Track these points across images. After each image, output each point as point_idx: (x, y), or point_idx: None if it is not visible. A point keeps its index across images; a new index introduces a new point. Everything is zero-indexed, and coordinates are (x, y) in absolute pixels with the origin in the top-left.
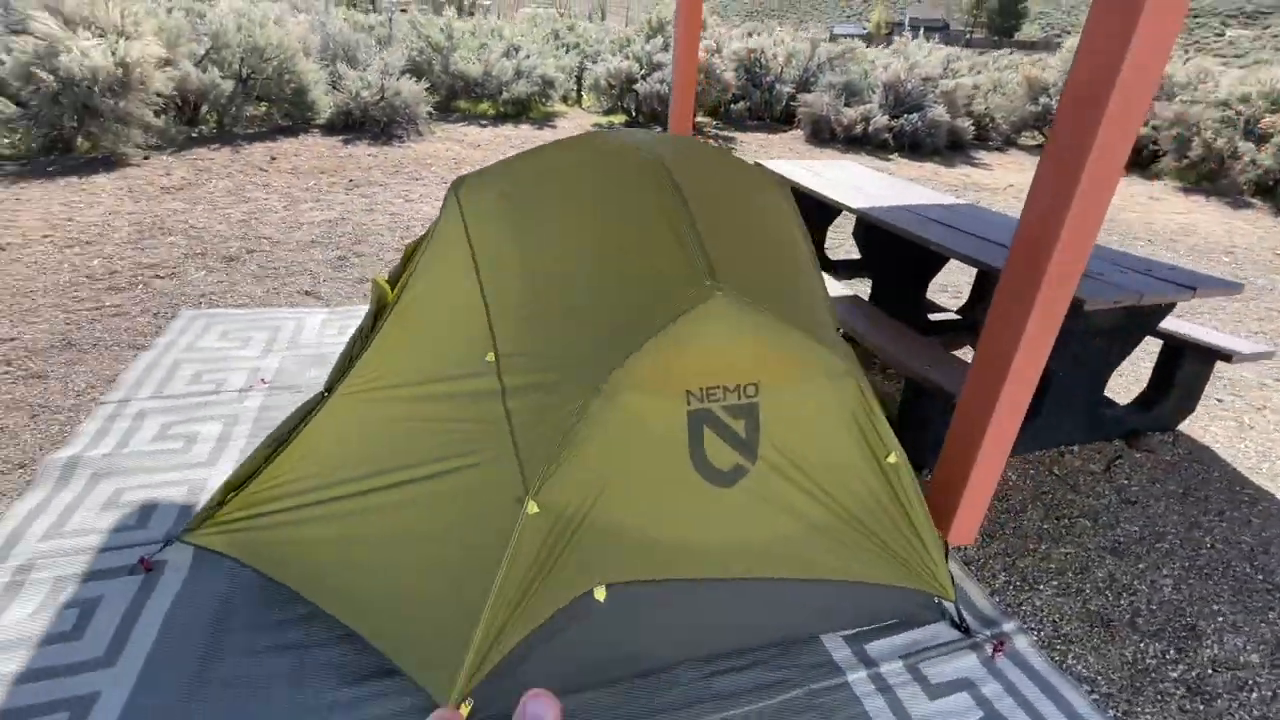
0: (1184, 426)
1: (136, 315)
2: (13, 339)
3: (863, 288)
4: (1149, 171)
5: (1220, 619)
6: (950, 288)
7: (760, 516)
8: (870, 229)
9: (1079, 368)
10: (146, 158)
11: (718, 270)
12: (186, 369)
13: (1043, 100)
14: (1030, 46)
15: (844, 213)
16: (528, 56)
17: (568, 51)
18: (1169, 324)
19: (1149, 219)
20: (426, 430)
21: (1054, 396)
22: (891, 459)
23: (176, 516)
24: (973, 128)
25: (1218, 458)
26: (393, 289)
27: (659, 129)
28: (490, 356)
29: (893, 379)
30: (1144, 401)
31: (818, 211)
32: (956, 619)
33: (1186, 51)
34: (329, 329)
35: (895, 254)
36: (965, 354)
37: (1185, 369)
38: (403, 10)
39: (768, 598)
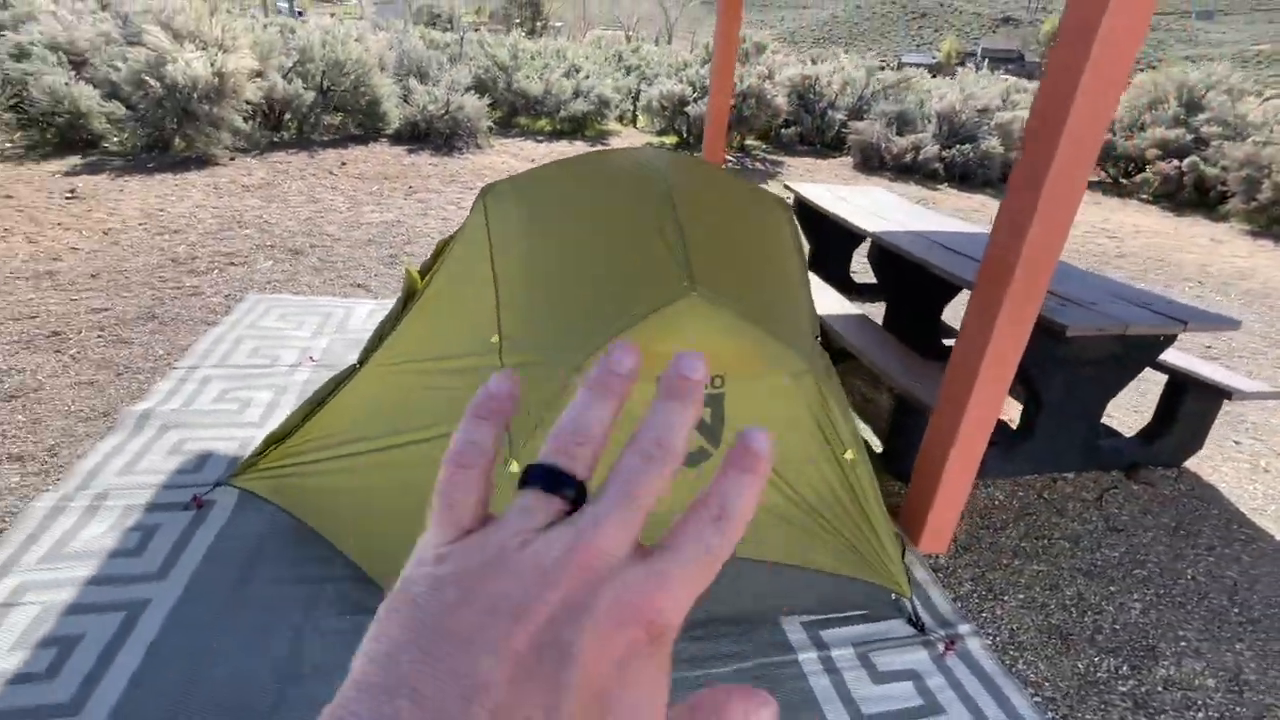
0: (1192, 465)
1: (210, 296)
2: (108, 309)
3: (880, 311)
4: (1216, 213)
5: (1183, 644)
6: None
7: None
8: (884, 253)
9: (1071, 395)
10: (233, 158)
11: (696, 274)
12: (247, 344)
13: (1105, 136)
14: None
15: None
16: (586, 77)
17: (628, 73)
18: (1176, 360)
19: (1206, 261)
20: (435, 398)
21: (1047, 422)
22: (849, 455)
23: (226, 465)
24: None
25: (1221, 497)
26: (422, 279)
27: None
28: (494, 338)
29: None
30: (1147, 435)
31: (844, 236)
32: (913, 616)
33: (1264, 91)
34: (374, 318)
35: (907, 278)
36: None
37: (1189, 405)
38: (475, 30)
39: (732, 575)
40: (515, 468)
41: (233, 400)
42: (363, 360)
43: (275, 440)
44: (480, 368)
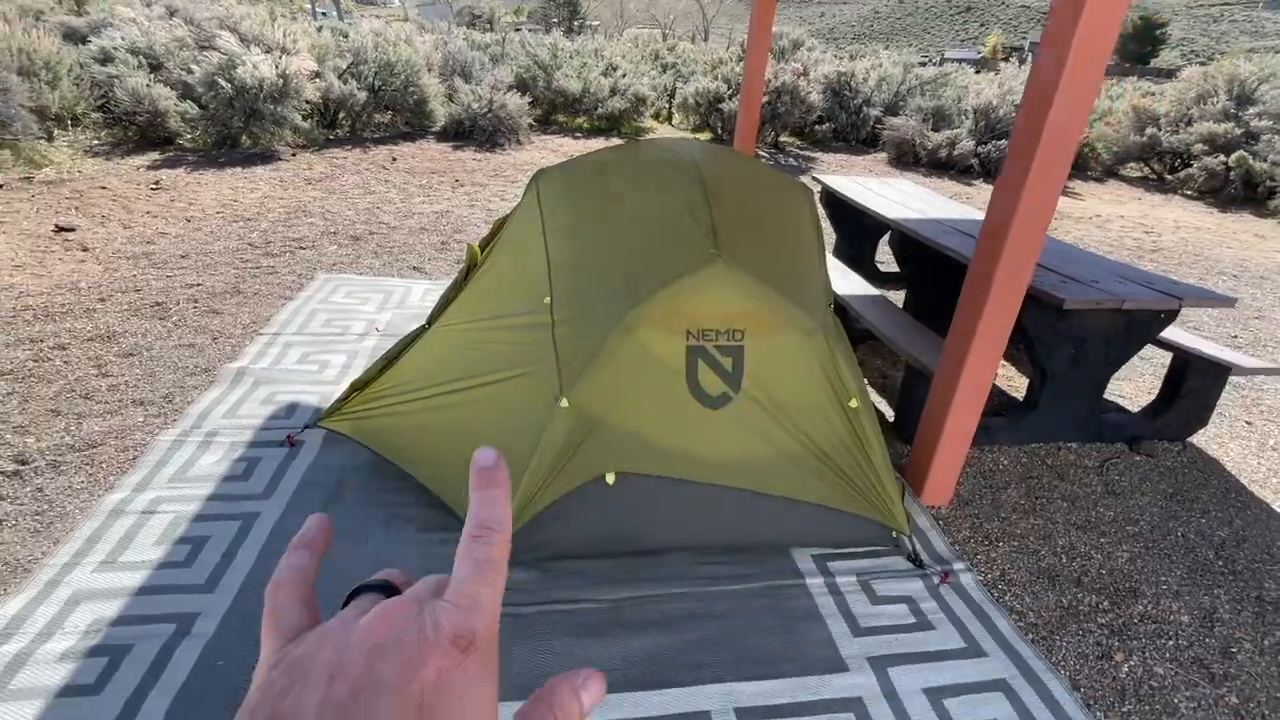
0: (1199, 441)
1: (285, 275)
2: (199, 284)
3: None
4: (1264, 209)
5: (1164, 587)
6: None
7: (742, 438)
8: (904, 239)
9: (1075, 369)
10: (294, 154)
11: (721, 244)
12: (321, 315)
13: (1150, 131)
14: (1167, 75)
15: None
16: (624, 75)
17: (665, 71)
18: (1179, 338)
19: (1245, 256)
20: (496, 350)
21: (1051, 393)
22: (853, 403)
23: (311, 413)
24: None
25: (1222, 469)
26: (481, 253)
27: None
28: (547, 300)
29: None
30: (1151, 411)
31: (870, 226)
32: (912, 554)
33: None
34: (429, 296)
35: (924, 262)
36: None
37: (1191, 381)
38: (516, 30)
39: (749, 508)
40: (565, 403)
41: (313, 362)
42: (430, 322)
43: (357, 388)
44: (535, 324)
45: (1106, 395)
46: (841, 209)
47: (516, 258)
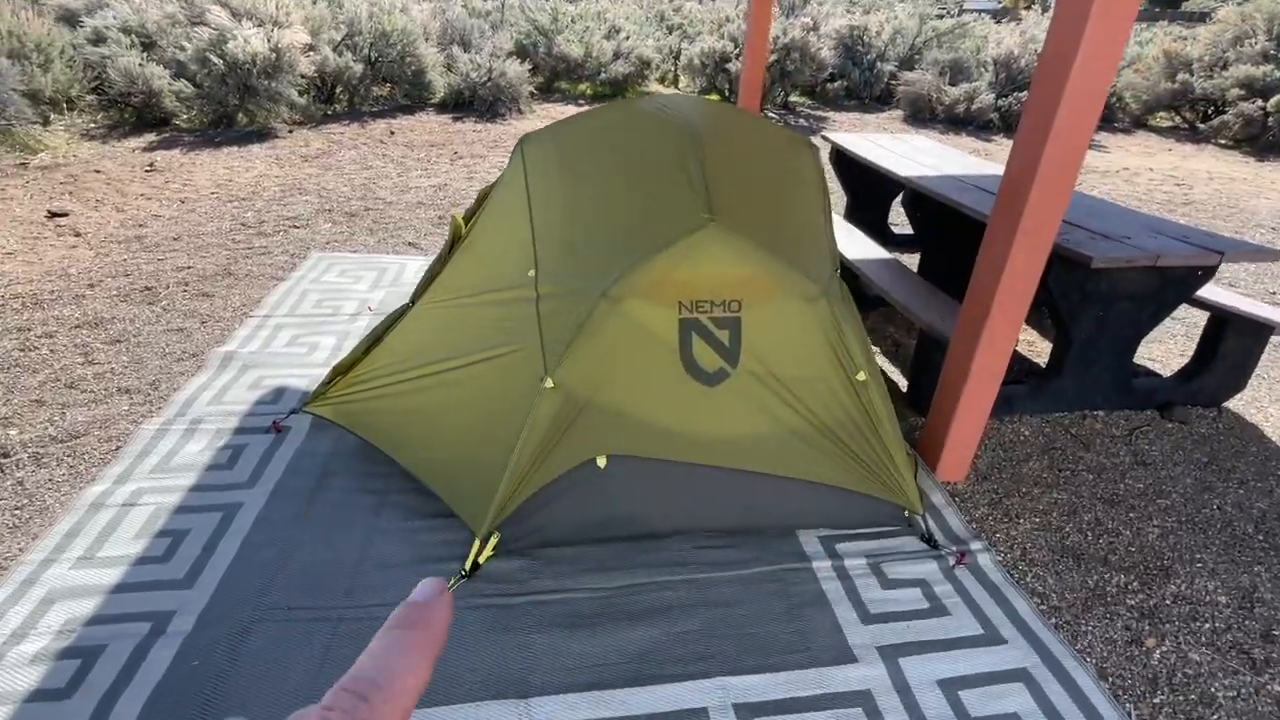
0: (1236, 406)
1: (277, 254)
2: (190, 266)
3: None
4: None
5: (1199, 564)
6: None
7: (741, 415)
8: (917, 198)
9: (1103, 332)
10: (291, 131)
11: (716, 208)
12: (312, 296)
13: (1181, 77)
14: (1200, 18)
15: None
16: (627, 38)
17: (670, 32)
18: (1217, 296)
19: None
20: (480, 327)
21: (1077, 358)
22: (861, 376)
23: (299, 397)
24: None
25: (1262, 435)
26: (466, 224)
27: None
28: (531, 272)
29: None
30: (1185, 374)
31: (881, 186)
32: (925, 533)
33: None
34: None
35: (939, 221)
36: None
37: (1230, 342)
38: None
39: (750, 489)
40: (550, 384)
41: (302, 344)
42: (415, 300)
43: (340, 372)
44: (519, 299)
45: (1135, 359)
46: (852, 168)
47: (500, 229)
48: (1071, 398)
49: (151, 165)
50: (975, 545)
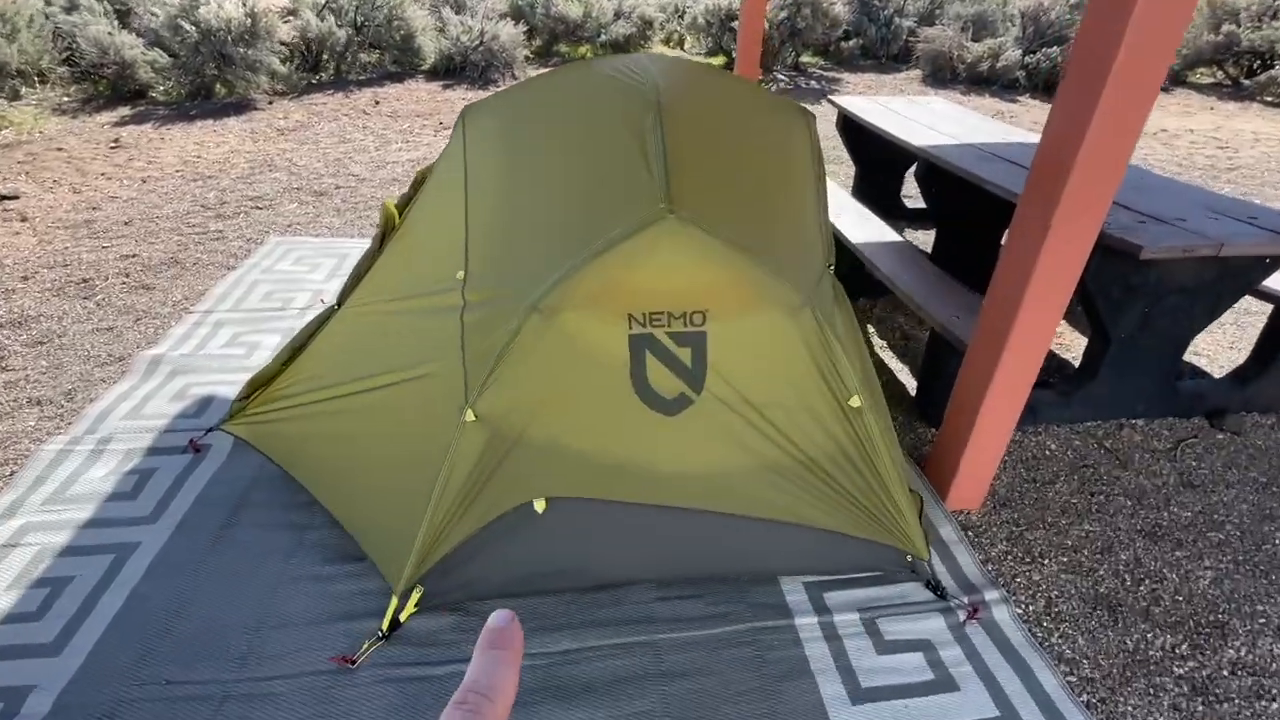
0: None
1: (233, 240)
2: (135, 255)
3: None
4: None
5: (1261, 620)
6: None
7: (708, 448)
8: (933, 170)
9: (1148, 329)
10: (271, 102)
11: (677, 195)
12: (262, 287)
13: (1227, 28)
14: None
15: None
16: None
17: None
18: None
19: None
20: (401, 341)
21: (1115, 360)
22: (854, 402)
23: (227, 409)
24: None
25: None
26: (400, 213)
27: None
28: (460, 274)
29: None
30: (1240, 375)
31: (893, 156)
32: (931, 580)
33: None
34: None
35: (957, 198)
36: None
37: None
38: None
39: (723, 532)
40: (470, 416)
41: (241, 345)
42: (341, 301)
43: (259, 385)
44: (444, 306)
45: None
46: (860, 136)
47: (433, 219)
48: (1107, 404)
49: (117, 141)
50: (991, 594)
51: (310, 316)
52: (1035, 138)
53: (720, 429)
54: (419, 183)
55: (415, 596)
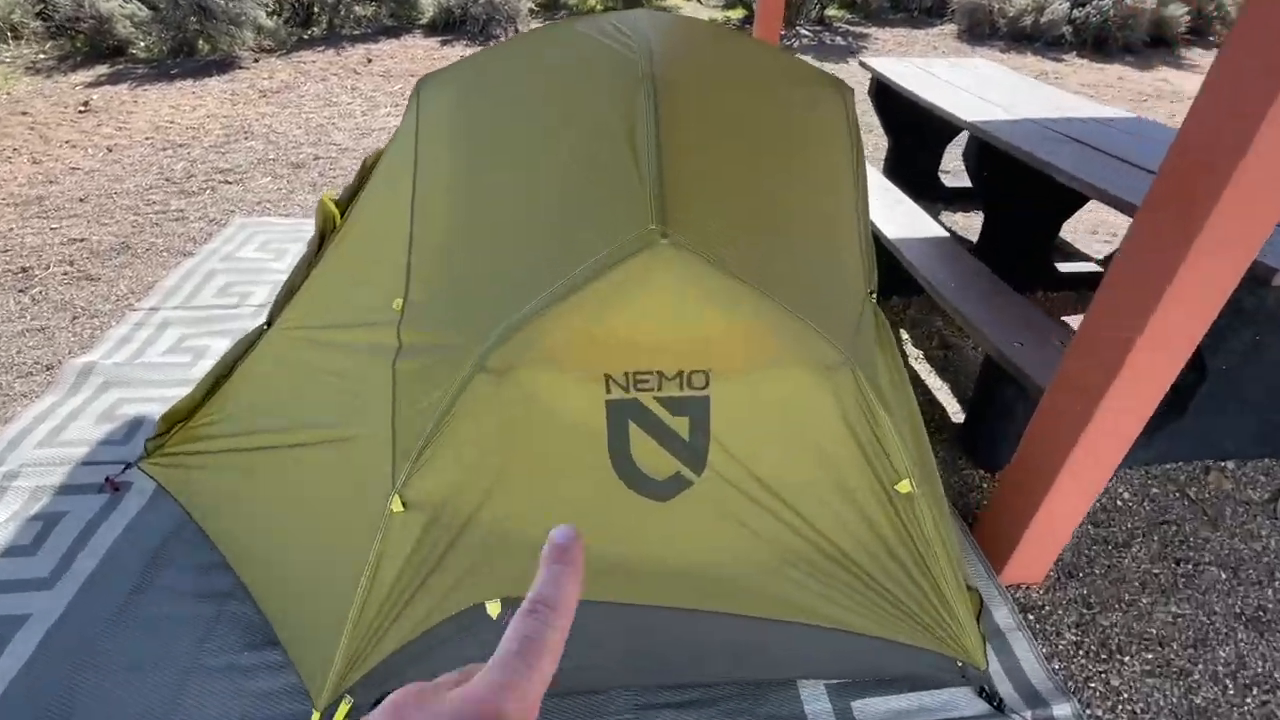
0: None
1: (194, 221)
2: (83, 240)
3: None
4: None
5: None
6: (1103, 228)
7: (711, 540)
8: (985, 150)
9: (1256, 360)
10: (257, 60)
11: (674, 208)
12: (219, 279)
13: None
14: None
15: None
16: None
17: None
18: None
19: None
20: (329, 386)
21: (1211, 394)
22: (903, 487)
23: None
24: (1188, 17)
25: None
26: (344, 211)
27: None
28: (398, 302)
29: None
30: None
31: (933, 128)
32: (987, 688)
33: None
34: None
35: (1015, 183)
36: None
37: None
38: None
39: (730, 630)
40: (397, 506)
41: (186, 350)
42: (271, 319)
43: (178, 419)
44: (377, 346)
45: None
46: (896, 105)
47: (374, 225)
48: (1194, 444)
49: (86, 105)
50: (1060, 709)
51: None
52: (1108, 110)
53: (727, 517)
54: (366, 172)
55: (343, 709)
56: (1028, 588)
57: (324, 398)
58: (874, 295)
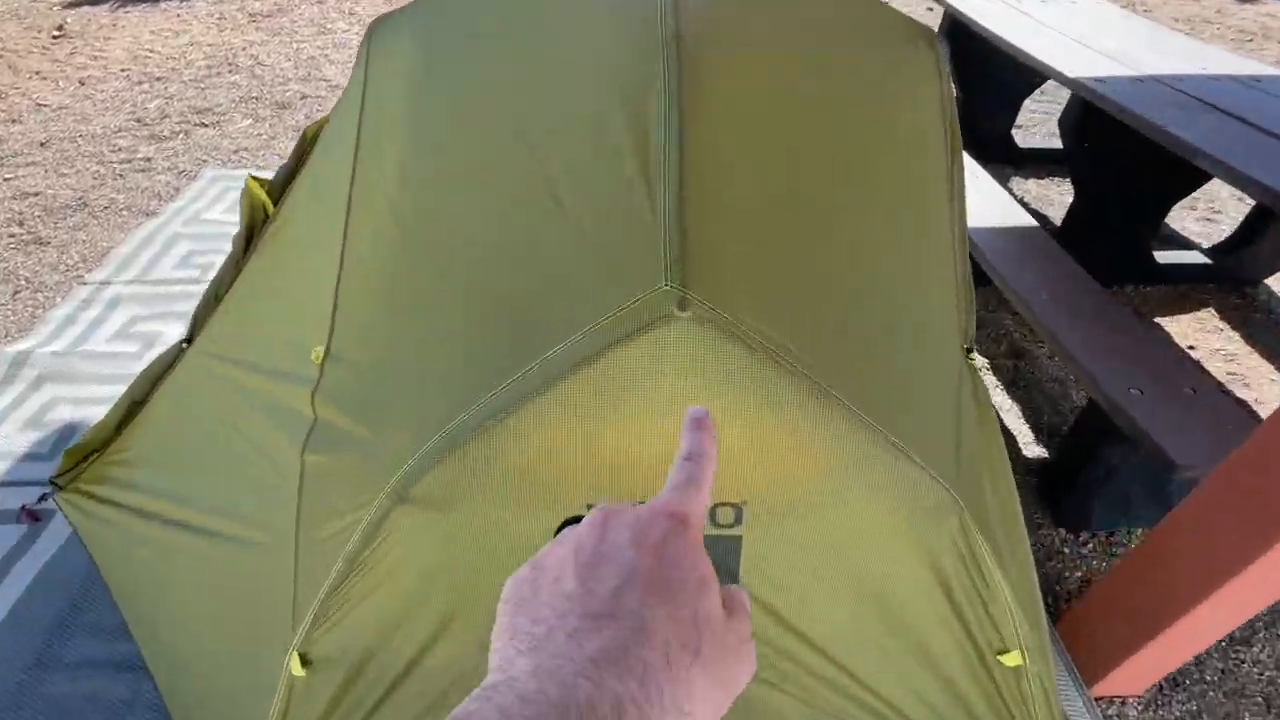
0: None
1: (161, 172)
2: (37, 194)
3: (1060, 192)
4: None
5: None
6: (1201, 201)
7: (744, 713)
8: (1089, 113)
9: None
10: None
11: (698, 255)
12: (181, 245)
13: None
14: None
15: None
16: None
17: None
18: None
19: None
20: (241, 458)
21: None
22: (1011, 661)
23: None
24: None
25: None
26: (277, 199)
27: None
28: (318, 351)
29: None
30: None
31: (1011, 77)
32: None
33: None
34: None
35: (1125, 157)
36: (1202, 331)
37: None
38: None
39: None
40: (299, 668)
41: (135, 337)
42: (192, 335)
43: (94, 448)
44: (289, 413)
45: None
46: (972, 51)
47: (305, 226)
48: None
49: (60, 29)
50: None
51: None
52: (1245, 64)
53: (759, 683)
54: (306, 146)
55: None
56: (1123, 701)
57: (243, 473)
58: (972, 355)
